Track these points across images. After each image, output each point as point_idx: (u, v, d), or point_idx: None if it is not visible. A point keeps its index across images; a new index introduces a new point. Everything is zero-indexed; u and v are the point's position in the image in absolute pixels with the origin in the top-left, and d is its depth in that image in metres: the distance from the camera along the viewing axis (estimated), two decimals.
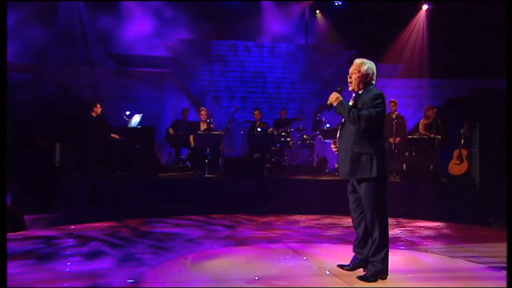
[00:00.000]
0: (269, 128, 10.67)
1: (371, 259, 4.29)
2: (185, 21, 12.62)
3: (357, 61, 4.51)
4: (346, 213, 8.00)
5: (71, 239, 6.17)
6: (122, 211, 8.27)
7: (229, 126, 10.68)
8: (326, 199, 8.76)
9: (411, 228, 7.15)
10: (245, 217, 7.93)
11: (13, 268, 4.76)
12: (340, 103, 4.36)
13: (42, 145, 9.92)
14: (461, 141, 9.75)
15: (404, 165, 9.28)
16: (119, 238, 6.28)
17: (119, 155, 9.82)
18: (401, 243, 6.09)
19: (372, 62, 4.52)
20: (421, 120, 10.27)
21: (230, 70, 12.93)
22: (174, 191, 9.07)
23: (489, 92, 12.29)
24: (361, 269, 4.49)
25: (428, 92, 12.86)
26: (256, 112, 11.15)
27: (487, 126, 9.96)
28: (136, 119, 10.30)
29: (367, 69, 4.42)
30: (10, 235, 6.43)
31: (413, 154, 9.62)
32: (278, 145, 10.53)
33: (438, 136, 9.50)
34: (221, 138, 9.94)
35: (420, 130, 10.13)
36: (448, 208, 8.45)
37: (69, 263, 4.97)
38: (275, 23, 12.83)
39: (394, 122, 9.90)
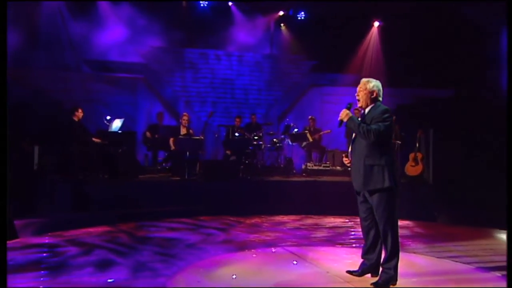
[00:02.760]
0: (246, 134, 10.44)
1: (384, 266, 4.19)
2: (157, 30, 12.14)
3: (364, 80, 4.46)
4: (323, 213, 8.11)
5: (73, 247, 5.69)
6: (109, 214, 7.80)
7: (204, 130, 10.43)
8: (302, 200, 8.66)
9: None
10: (232, 218, 7.66)
11: (28, 282, 4.35)
12: (350, 118, 4.26)
13: (25, 148, 9.28)
14: (416, 144, 9.95)
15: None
16: (121, 244, 5.88)
17: (101, 159, 9.31)
18: None
19: (377, 81, 4.45)
20: None
21: (201, 77, 12.55)
22: (158, 194, 8.69)
23: (432, 100, 12.68)
24: (369, 275, 4.40)
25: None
26: (238, 120, 10.91)
27: (440, 131, 10.26)
28: (117, 123, 9.78)
29: (373, 87, 4.35)
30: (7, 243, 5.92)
31: None
32: (251, 148, 10.34)
33: (398, 142, 9.63)
34: (202, 142, 9.63)
35: None
36: (409, 206, 8.58)
37: (83, 275, 4.57)
38: (243, 34, 12.60)
39: None
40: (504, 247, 5.99)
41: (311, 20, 12.83)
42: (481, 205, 8.19)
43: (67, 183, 8.62)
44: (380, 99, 4.40)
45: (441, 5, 11.80)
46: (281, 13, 12.69)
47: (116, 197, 8.40)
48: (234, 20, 12.43)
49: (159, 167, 10.48)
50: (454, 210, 8.48)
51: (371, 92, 4.33)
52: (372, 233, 4.38)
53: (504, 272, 4.64)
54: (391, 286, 4.15)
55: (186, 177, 9.34)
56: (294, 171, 10.81)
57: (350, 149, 4.50)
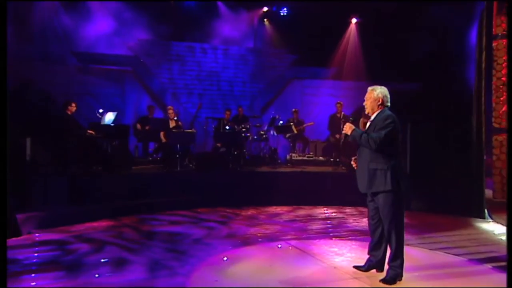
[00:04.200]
0: (236, 126, 10.34)
1: (391, 264, 4.26)
2: (144, 23, 11.79)
3: (369, 88, 4.53)
4: (313, 203, 8.17)
5: (83, 244, 5.56)
6: (107, 207, 7.56)
7: (193, 122, 10.31)
8: (292, 190, 8.62)
9: None
10: (228, 210, 7.64)
11: (49, 283, 4.24)
12: (353, 131, 4.40)
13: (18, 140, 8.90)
14: None
15: (352, 159, 9.42)
16: (129, 240, 5.78)
17: (95, 152, 9.06)
18: None
19: (383, 87, 4.50)
20: (361, 119, 10.44)
21: (188, 69, 12.32)
22: (152, 186, 8.48)
23: (405, 93, 12.83)
24: (374, 270, 4.48)
25: (354, 92, 13.12)
26: (227, 113, 10.79)
27: (415, 123, 10.40)
28: (110, 117, 9.49)
29: (378, 94, 4.40)
30: (15, 240, 5.73)
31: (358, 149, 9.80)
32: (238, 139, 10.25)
33: None
34: (194, 135, 9.49)
35: (360, 128, 10.33)
36: None
37: (102, 275, 4.46)
38: (228, 28, 12.38)
39: (341, 121, 10.04)
40: (485, 236, 6.30)
41: (293, 16, 12.72)
42: (454, 193, 8.39)
43: (61, 176, 8.33)
44: (388, 104, 4.44)
45: (412, 5, 11.94)
46: (265, 9, 12.55)
47: (111, 189, 8.15)
48: (219, 15, 12.20)
49: (150, 158, 10.31)
50: (431, 198, 8.65)
51: (377, 100, 4.38)
52: (378, 231, 4.43)
53: (494, 264, 4.87)
54: (397, 282, 4.24)
55: (178, 168, 9.21)
56: (279, 161, 10.83)
57: (357, 155, 4.55)
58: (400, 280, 4.25)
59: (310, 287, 4.15)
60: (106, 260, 4.92)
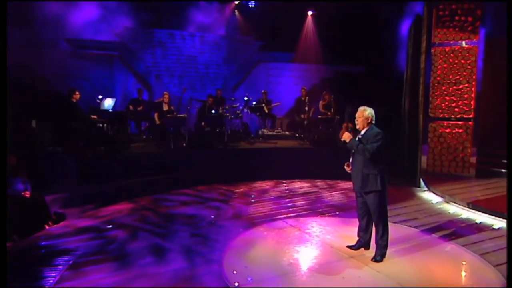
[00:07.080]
0: (219, 109, 10.25)
1: (379, 243, 4.69)
2: (127, 10, 11.11)
3: (361, 108, 4.71)
4: (289, 177, 8.45)
5: (117, 231, 5.54)
6: (118, 188, 7.42)
7: (179, 104, 10.13)
8: (271, 165, 8.88)
9: (342, 191, 7.52)
10: (223, 188, 7.75)
11: (108, 276, 4.23)
12: (351, 139, 4.62)
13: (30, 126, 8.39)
14: (345, 116, 10.50)
15: (316, 136, 9.82)
16: (154, 225, 5.81)
17: (98, 134, 8.75)
18: (352, 210, 5.83)
19: (371, 108, 4.72)
20: (320, 102, 10.77)
21: (169, 54, 11.91)
22: (151, 164, 8.45)
23: (348, 75, 13.22)
24: (363, 249, 4.91)
25: (310, 73, 13.35)
26: (210, 99, 10.59)
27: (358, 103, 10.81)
28: (109, 102, 9.15)
29: (368, 114, 4.63)
30: (56, 228, 5.62)
31: (320, 127, 10.18)
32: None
33: (338, 116, 10.13)
34: (185, 120, 9.37)
35: (320, 109, 10.68)
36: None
37: (149, 265, 4.52)
38: (204, 18, 11.98)
39: (306, 104, 10.30)
40: (428, 206, 6.85)
41: (260, 7, 12.53)
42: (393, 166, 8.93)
43: (71, 157, 8.02)
44: (374, 122, 4.69)
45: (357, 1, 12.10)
46: (236, 2, 12.19)
47: (117, 169, 8.03)
48: (195, 5, 11.75)
49: (144, 137, 10.11)
50: None
51: (367, 118, 4.62)
52: (365, 219, 4.83)
53: (441, 233, 5.50)
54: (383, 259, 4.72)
55: (172, 147, 9.15)
56: (252, 135, 10.98)
57: (351, 160, 4.81)
58: (385, 257, 4.73)
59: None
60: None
